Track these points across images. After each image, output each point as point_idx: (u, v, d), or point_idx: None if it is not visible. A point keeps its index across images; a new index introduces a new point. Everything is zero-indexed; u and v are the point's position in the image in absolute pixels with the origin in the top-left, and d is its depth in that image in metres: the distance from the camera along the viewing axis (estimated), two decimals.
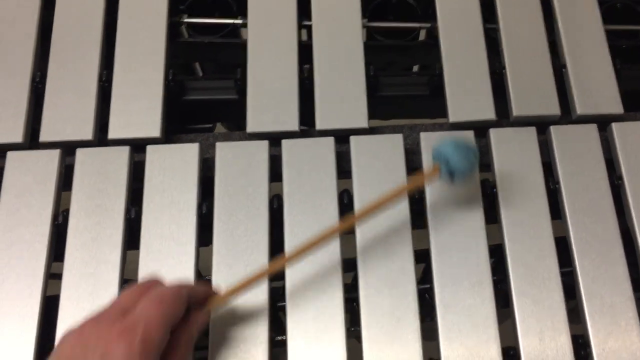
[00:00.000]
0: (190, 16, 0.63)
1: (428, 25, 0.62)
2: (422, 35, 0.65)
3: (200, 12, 0.64)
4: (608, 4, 0.63)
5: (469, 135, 0.54)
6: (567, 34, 0.58)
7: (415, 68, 0.73)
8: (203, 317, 0.44)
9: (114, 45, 0.58)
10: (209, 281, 0.50)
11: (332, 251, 0.50)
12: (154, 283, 0.43)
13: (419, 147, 0.55)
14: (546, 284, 0.50)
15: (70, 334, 0.39)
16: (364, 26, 0.62)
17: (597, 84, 0.56)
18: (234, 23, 0.62)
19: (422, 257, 0.52)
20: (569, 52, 0.57)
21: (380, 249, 0.51)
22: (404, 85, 0.60)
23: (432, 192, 0.53)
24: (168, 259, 0.50)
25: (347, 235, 0.52)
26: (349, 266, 0.51)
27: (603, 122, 0.55)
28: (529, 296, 0.49)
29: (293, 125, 0.55)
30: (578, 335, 0.49)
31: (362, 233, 0.51)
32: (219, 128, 0.79)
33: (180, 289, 0.42)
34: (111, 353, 0.36)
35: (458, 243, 0.51)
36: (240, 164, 0.54)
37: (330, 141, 0.55)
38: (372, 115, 0.59)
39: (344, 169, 0.55)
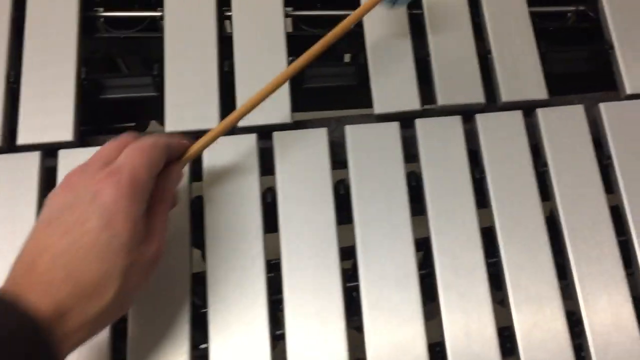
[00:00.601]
0: (106, 9, 0.60)
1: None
2: None
3: (119, 5, 0.61)
4: None
5: None
6: (492, 19, 0.57)
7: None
8: (179, 169, 0.45)
9: (22, 43, 0.55)
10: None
11: (256, 253, 0.49)
12: (132, 137, 0.43)
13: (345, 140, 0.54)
14: (472, 276, 0.49)
15: (57, 188, 0.40)
16: (288, 15, 0.60)
17: (522, 70, 0.55)
18: (151, 16, 0.59)
19: (349, 254, 0.51)
20: (494, 37, 0.56)
21: (305, 248, 0.50)
22: (330, 76, 0.58)
23: (357, 185, 0.52)
24: None
25: (271, 234, 0.51)
26: (273, 267, 0.50)
27: (528, 108, 0.55)
28: (455, 289, 0.49)
29: (213, 122, 0.53)
30: (504, 328, 0.49)
31: (286, 233, 0.50)
32: (154, 125, 0.76)
33: (158, 139, 0.43)
34: (101, 192, 0.37)
35: (384, 238, 0.50)
36: None
37: (252, 138, 0.53)
38: (300, 107, 0.58)
39: (268, 166, 0.53)
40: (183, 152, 0.45)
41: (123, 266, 0.37)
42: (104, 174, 0.39)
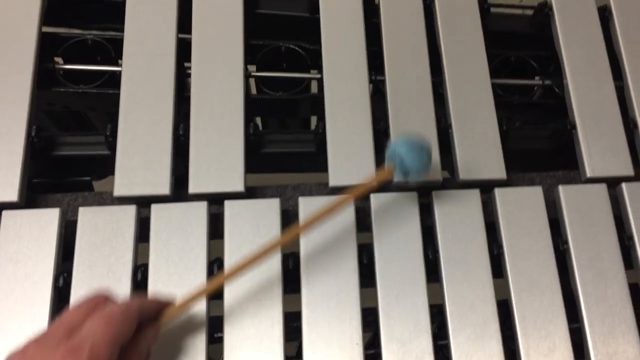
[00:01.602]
0: (66, 62, 0.59)
1: (318, 76, 0.60)
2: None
3: (80, 57, 0.60)
4: (501, 57, 0.61)
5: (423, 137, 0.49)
6: (454, 92, 0.56)
7: None
8: (153, 332, 0.42)
9: None
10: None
11: (199, 314, 0.48)
12: (102, 300, 0.41)
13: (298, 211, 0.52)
14: None
15: (12, 357, 0.37)
16: (250, 76, 0.59)
17: (481, 148, 0.54)
18: (111, 71, 0.58)
19: (295, 332, 0.50)
20: (455, 113, 0.56)
21: (250, 308, 0.48)
22: (288, 142, 0.57)
23: (307, 258, 0.50)
24: (21, 338, 0.46)
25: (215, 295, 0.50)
26: (216, 340, 0.49)
27: (487, 187, 0.54)
28: None
29: (164, 188, 0.52)
30: None
31: (230, 292, 0.49)
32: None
33: (129, 307, 0.40)
34: None
35: (331, 315, 0.49)
36: (103, 231, 0.50)
37: (203, 206, 0.52)
38: (257, 168, 0.56)
39: (219, 232, 0.52)
40: (159, 313, 0.43)
41: None
42: (64, 349, 0.36)
